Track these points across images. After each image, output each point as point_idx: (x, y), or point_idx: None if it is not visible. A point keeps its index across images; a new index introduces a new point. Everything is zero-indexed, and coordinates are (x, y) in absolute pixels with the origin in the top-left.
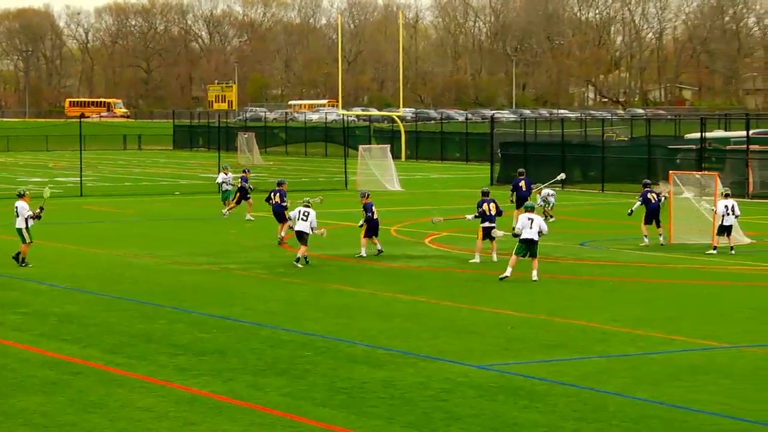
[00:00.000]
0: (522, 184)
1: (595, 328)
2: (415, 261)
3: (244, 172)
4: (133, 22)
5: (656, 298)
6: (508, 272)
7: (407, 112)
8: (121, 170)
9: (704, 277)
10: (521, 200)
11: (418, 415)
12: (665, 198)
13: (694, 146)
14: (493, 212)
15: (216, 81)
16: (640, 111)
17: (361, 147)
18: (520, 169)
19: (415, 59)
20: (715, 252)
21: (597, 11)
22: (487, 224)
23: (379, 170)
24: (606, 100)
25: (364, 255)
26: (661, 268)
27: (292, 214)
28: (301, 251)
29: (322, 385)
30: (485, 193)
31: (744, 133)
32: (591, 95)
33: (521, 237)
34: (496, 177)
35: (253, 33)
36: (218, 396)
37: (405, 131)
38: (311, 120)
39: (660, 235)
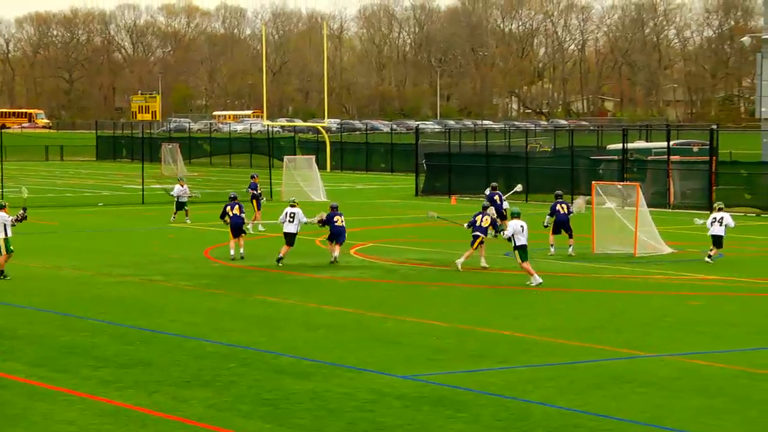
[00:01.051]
0: (560, 207)
1: (520, 338)
2: (340, 271)
3: (252, 177)
4: (55, 32)
5: (580, 308)
6: (537, 278)
7: (332, 122)
8: (44, 181)
9: (627, 287)
10: (559, 224)
11: (344, 426)
12: (576, 212)
13: (616, 157)
14: (485, 225)
15: (139, 91)
16: (563, 122)
17: (286, 158)
18: (558, 191)
19: (340, 70)
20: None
21: (520, 23)
22: (477, 233)
23: (304, 181)
24: (529, 111)
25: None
26: (584, 278)
27: (281, 218)
28: (284, 251)
29: (247, 396)
30: (485, 207)
31: (665, 144)
32: (515, 106)
33: (517, 244)
34: (421, 188)
35: (177, 43)
36: (142, 408)
37: (330, 142)
38: (236, 131)
39: (570, 246)
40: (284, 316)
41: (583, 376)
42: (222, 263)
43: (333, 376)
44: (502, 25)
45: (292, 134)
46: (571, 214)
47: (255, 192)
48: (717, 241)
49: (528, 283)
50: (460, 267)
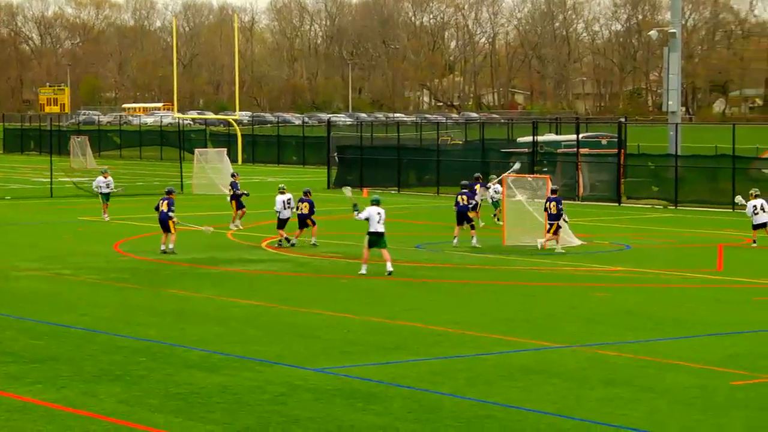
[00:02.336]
0: (460, 198)
1: (431, 330)
2: (251, 265)
3: (233, 176)
4: None
5: (490, 300)
6: (364, 269)
7: (243, 115)
8: None
9: (537, 279)
10: (459, 215)
11: (255, 420)
12: (481, 201)
13: (526, 150)
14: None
15: (47, 84)
16: (474, 115)
17: (197, 151)
18: (554, 187)
19: (251, 63)
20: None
21: (431, 16)
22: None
23: (215, 174)
24: (441, 104)
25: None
26: (495, 270)
27: (277, 206)
28: (296, 234)
29: (157, 390)
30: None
31: (574, 136)
32: (426, 99)
33: (370, 229)
34: (333, 180)
35: (86, 35)
36: (51, 404)
37: (241, 135)
38: (146, 123)
39: (472, 236)
40: (195, 310)
41: (493, 367)
42: (132, 257)
43: (244, 370)
44: (413, 18)
45: (203, 127)
46: (471, 205)
47: (236, 191)
48: (762, 226)
49: (360, 272)
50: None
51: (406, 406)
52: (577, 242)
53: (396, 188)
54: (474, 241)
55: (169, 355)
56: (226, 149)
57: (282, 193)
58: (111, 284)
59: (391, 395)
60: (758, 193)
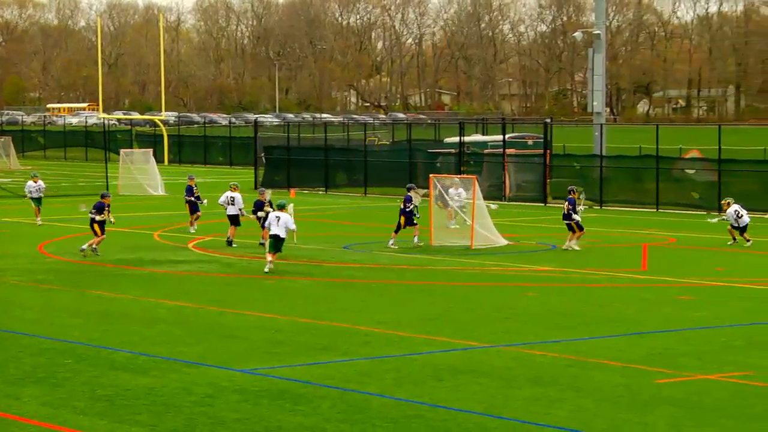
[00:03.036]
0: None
1: (359, 330)
2: (179, 266)
3: (189, 179)
4: None
5: (418, 300)
6: (269, 266)
7: (170, 116)
8: None
9: (464, 279)
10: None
11: (182, 421)
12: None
13: (453, 150)
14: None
15: None
16: (401, 115)
17: (122, 151)
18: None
19: (178, 63)
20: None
21: (358, 16)
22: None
23: (142, 175)
24: (368, 104)
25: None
26: (422, 270)
27: (221, 200)
28: (231, 232)
29: (82, 393)
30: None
31: (500, 137)
32: (353, 99)
33: (272, 232)
34: (260, 181)
35: (9, 34)
36: None
37: (168, 135)
38: (71, 124)
39: (414, 236)
40: (121, 312)
41: (421, 367)
42: (57, 258)
43: (171, 371)
44: (340, 19)
45: (129, 127)
46: (411, 208)
47: (190, 198)
48: (744, 229)
49: (265, 270)
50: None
51: (334, 406)
52: (504, 242)
53: (323, 189)
54: (416, 240)
55: (95, 357)
56: (152, 150)
57: (233, 189)
58: (35, 286)
59: (319, 396)
60: (731, 200)
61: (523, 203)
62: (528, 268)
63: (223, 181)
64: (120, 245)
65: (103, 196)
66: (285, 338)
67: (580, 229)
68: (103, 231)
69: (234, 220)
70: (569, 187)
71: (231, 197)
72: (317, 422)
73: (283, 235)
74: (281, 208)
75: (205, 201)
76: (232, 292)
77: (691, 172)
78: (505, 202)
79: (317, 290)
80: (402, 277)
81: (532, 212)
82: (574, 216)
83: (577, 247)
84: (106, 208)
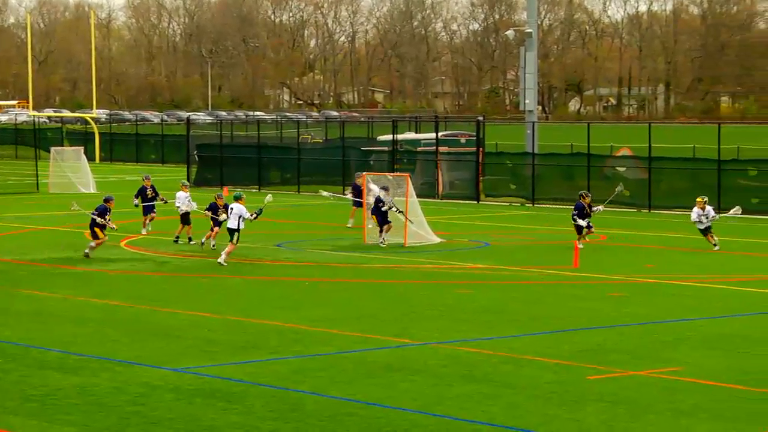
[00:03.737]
0: None
1: (292, 329)
2: (110, 264)
3: (145, 179)
4: None
5: (351, 298)
6: (222, 259)
7: (101, 113)
8: None
9: (397, 276)
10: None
11: (115, 421)
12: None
13: (386, 148)
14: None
15: None
16: (335, 113)
17: (53, 149)
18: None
19: (109, 60)
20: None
21: (291, 14)
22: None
23: (73, 173)
24: (301, 102)
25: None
26: (356, 268)
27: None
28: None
29: (12, 392)
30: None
31: (433, 135)
32: (286, 97)
33: (229, 226)
34: (193, 179)
35: None
36: None
37: (99, 133)
38: (0, 121)
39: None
40: (52, 311)
41: (354, 365)
42: None
43: (103, 371)
44: (272, 17)
45: (60, 125)
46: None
47: (139, 196)
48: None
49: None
50: None
51: (267, 405)
52: (437, 240)
53: (257, 186)
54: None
55: (25, 357)
56: (83, 148)
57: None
58: None
59: (252, 394)
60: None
61: (456, 201)
62: (461, 266)
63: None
64: (51, 244)
65: (106, 200)
66: (218, 337)
67: (579, 232)
68: (103, 233)
69: (186, 218)
70: (579, 192)
71: (187, 197)
72: (251, 421)
73: (234, 226)
74: (237, 199)
75: (164, 198)
76: (164, 290)
77: (622, 169)
78: (438, 200)
79: (250, 288)
80: (335, 275)
81: (465, 210)
82: (579, 221)
83: (580, 245)
84: (108, 213)
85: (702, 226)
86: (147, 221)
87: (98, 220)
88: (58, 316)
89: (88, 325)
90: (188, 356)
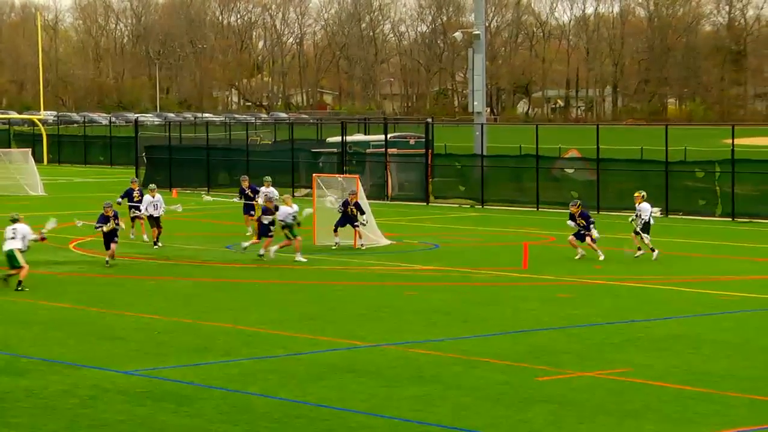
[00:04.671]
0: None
1: (242, 331)
2: (58, 267)
3: (132, 182)
4: None
5: (301, 299)
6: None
7: (48, 115)
8: None
9: (346, 278)
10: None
11: (64, 424)
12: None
13: (335, 150)
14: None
15: None
16: (284, 115)
17: (0, 151)
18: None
19: (56, 61)
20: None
21: (239, 15)
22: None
23: (20, 174)
24: (250, 104)
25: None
26: (305, 270)
27: (143, 207)
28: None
29: None
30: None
31: (382, 137)
32: (235, 99)
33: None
34: (142, 181)
35: None
36: None
37: (47, 135)
38: None
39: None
40: None
41: (304, 366)
42: None
43: (51, 373)
44: (220, 18)
45: (7, 127)
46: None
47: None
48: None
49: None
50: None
51: (217, 407)
52: (386, 242)
53: (206, 188)
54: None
55: None
56: (30, 149)
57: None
58: None
59: (202, 397)
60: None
61: (406, 202)
62: (410, 267)
63: (104, 181)
64: None
65: (104, 207)
66: (167, 339)
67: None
68: (114, 240)
69: (157, 221)
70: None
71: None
72: (201, 423)
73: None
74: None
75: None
76: (113, 292)
77: (570, 171)
78: (388, 202)
79: (199, 290)
80: (284, 276)
81: (414, 211)
82: (570, 223)
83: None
84: (112, 218)
85: (641, 221)
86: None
87: (104, 228)
88: (5, 319)
89: (35, 328)
90: (137, 359)
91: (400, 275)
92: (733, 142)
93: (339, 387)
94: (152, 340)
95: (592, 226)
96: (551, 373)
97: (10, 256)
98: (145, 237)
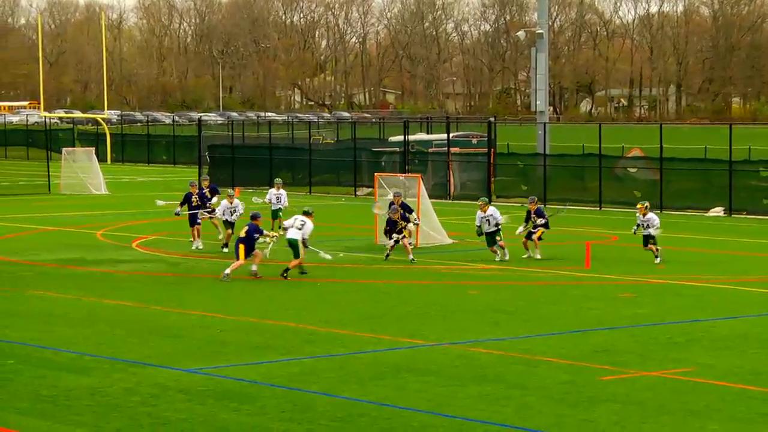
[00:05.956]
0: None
1: (303, 329)
2: (121, 265)
3: (191, 185)
4: None
5: (362, 298)
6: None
7: (112, 114)
8: None
9: (408, 277)
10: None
11: (126, 422)
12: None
13: (397, 149)
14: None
15: None
16: (346, 114)
17: (64, 150)
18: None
19: (120, 61)
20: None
21: (302, 15)
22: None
23: (84, 173)
24: (312, 103)
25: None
26: (367, 269)
27: (286, 222)
28: (293, 263)
29: (25, 393)
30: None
31: (445, 136)
32: (297, 98)
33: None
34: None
35: None
36: None
37: (110, 134)
38: (11, 122)
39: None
40: (63, 312)
41: (365, 365)
42: None
43: (114, 371)
44: (283, 17)
45: (71, 126)
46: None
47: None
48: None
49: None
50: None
51: (279, 405)
52: (449, 241)
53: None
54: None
55: (37, 358)
56: (94, 148)
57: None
58: None
59: (264, 395)
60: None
61: (468, 201)
62: (472, 267)
63: (167, 180)
64: (62, 244)
65: (253, 217)
66: (229, 338)
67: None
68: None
69: (232, 225)
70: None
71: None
72: (262, 422)
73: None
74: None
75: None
76: (176, 291)
77: (633, 170)
78: (450, 201)
79: (262, 289)
80: (347, 276)
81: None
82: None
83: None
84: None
85: (645, 232)
86: (194, 233)
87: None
88: (69, 317)
89: (99, 327)
90: (200, 357)
91: (462, 274)
92: None
93: (401, 386)
94: (214, 339)
95: (542, 223)
96: (614, 372)
97: (293, 244)
98: (220, 236)
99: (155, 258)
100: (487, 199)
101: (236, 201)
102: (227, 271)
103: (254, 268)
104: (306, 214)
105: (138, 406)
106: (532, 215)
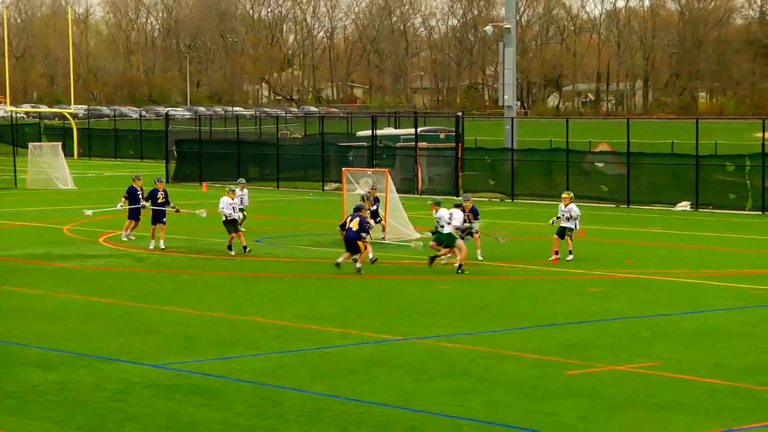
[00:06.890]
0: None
1: (272, 324)
2: (90, 260)
3: (156, 182)
4: None
5: (331, 293)
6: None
7: (79, 109)
8: None
9: (376, 272)
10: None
11: (92, 417)
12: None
13: (365, 144)
14: (354, 228)
15: None
16: (314, 109)
17: (31, 145)
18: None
19: (87, 55)
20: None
21: (269, 9)
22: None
23: (51, 168)
24: (280, 98)
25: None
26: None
27: (224, 208)
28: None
29: None
30: (356, 208)
31: (412, 130)
32: (265, 93)
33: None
34: (172, 175)
35: None
36: None
37: (77, 128)
38: None
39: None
40: (31, 307)
41: (335, 361)
42: None
43: (81, 367)
44: (251, 12)
45: (38, 120)
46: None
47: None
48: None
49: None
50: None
51: (246, 400)
52: (417, 235)
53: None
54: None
55: (4, 353)
56: (61, 143)
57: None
58: None
59: (231, 390)
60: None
61: (436, 196)
62: (441, 262)
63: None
64: (29, 240)
65: (359, 209)
66: (198, 333)
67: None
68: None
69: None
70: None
71: (236, 202)
72: (230, 417)
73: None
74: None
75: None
76: (144, 286)
77: (601, 165)
78: (418, 196)
79: (230, 284)
80: (315, 270)
81: (444, 205)
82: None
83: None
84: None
85: (564, 224)
86: (154, 229)
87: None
88: (38, 312)
89: (67, 322)
90: (168, 352)
91: (431, 269)
92: (764, 135)
93: (369, 380)
94: (182, 334)
95: (475, 221)
96: (582, 366)
97: (449, 235)
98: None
99: (122, 253)
100: (439, 200)
101: (238, 191)
102: (358, 264)
103: (359, 264)
104: (359, 208)
105: (105, 401)
106: (467, 213)
